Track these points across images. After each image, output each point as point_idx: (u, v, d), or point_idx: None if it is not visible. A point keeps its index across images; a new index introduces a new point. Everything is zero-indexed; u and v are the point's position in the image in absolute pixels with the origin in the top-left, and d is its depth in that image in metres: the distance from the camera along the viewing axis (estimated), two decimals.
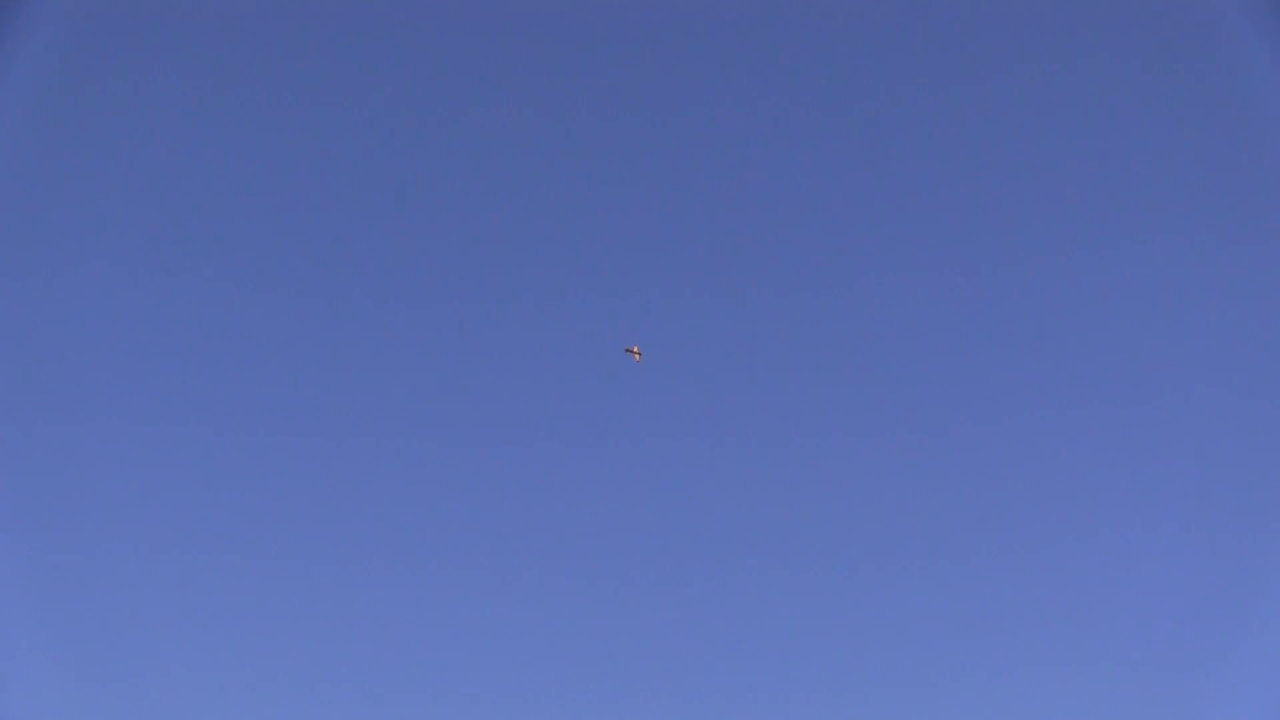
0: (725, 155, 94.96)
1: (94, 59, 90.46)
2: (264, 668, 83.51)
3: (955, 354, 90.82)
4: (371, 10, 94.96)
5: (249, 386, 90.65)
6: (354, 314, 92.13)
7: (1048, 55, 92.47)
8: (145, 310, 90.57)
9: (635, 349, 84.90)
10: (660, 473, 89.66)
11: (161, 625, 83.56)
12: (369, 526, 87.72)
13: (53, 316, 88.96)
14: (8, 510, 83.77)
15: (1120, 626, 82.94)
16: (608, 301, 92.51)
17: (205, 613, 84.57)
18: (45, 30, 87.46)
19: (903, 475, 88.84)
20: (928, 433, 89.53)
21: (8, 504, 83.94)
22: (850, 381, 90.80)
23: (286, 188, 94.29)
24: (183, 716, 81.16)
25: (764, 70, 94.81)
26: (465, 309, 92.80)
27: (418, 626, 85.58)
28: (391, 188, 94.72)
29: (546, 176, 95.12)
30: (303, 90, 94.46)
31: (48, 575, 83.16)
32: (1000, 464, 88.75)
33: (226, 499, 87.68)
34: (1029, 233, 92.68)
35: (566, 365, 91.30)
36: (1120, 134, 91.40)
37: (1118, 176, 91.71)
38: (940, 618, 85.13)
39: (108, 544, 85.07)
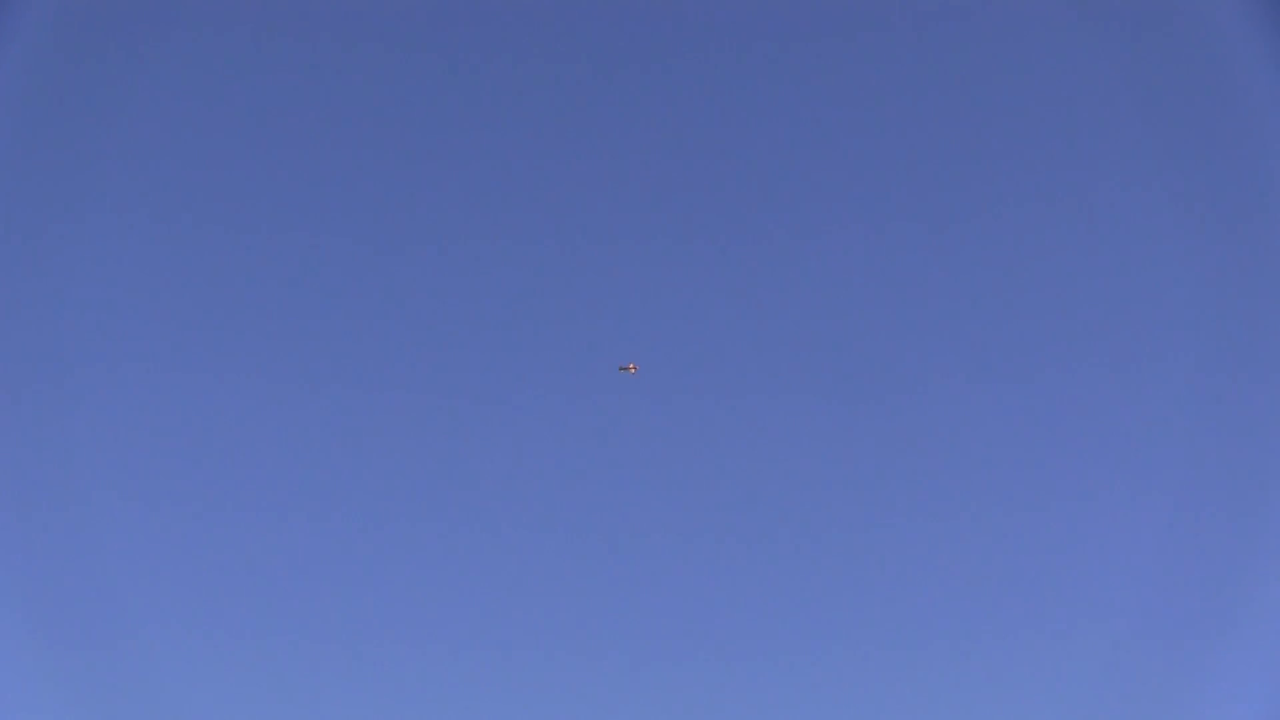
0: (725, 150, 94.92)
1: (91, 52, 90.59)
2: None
3: (948, 337, 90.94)
4: None
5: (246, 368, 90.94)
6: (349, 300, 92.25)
7: (1044, 49, 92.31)
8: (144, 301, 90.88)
9: (631, 365, 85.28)
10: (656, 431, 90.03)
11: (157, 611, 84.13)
12: (378, 529, 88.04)
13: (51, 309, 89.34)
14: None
15: (1119, 622, 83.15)
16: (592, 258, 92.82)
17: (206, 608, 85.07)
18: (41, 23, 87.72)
19: (896, 470, 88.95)
20: (917, 424, 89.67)
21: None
22: (842, 362, 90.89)
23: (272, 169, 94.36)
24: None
25: (764, 61, 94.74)
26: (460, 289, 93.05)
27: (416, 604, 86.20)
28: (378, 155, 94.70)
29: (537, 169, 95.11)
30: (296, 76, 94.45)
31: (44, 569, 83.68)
32: (995, 458, 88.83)
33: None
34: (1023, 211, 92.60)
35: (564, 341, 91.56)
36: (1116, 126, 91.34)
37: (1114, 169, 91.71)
38: (937, 610, 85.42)
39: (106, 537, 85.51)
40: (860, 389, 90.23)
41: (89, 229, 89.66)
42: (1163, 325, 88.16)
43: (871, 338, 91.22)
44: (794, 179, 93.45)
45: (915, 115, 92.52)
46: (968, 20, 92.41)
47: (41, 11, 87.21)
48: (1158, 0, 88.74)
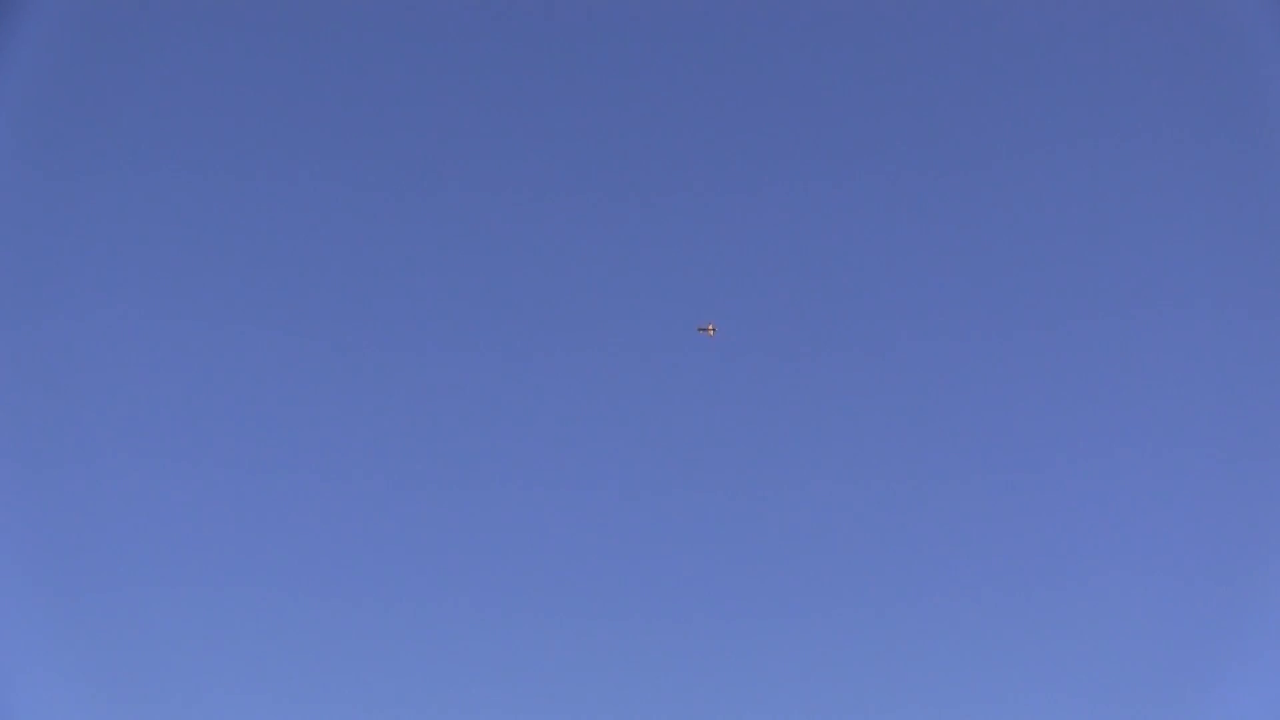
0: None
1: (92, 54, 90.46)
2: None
3: (951, 328, 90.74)
4: None
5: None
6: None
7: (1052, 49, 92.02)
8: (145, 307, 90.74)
9: (710, 327, 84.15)
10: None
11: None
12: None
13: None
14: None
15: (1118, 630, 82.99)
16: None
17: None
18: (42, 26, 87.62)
19: (897, 469, 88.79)
20: (920, 418, 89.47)
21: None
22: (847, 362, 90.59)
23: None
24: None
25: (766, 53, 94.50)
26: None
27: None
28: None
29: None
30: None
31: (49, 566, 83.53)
32: (997, 464, 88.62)
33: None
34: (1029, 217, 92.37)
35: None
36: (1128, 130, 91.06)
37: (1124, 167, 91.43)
38: (940, 619, 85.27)
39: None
40: (865, 381, 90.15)
41: (91, 225, 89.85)
42: (1174, 323, 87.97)
43: (875, 327, 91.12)
44: (801, 169, 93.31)
45: (916, 106, 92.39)
46: (968, 9, 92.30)
47: (44, 19, 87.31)
48: None
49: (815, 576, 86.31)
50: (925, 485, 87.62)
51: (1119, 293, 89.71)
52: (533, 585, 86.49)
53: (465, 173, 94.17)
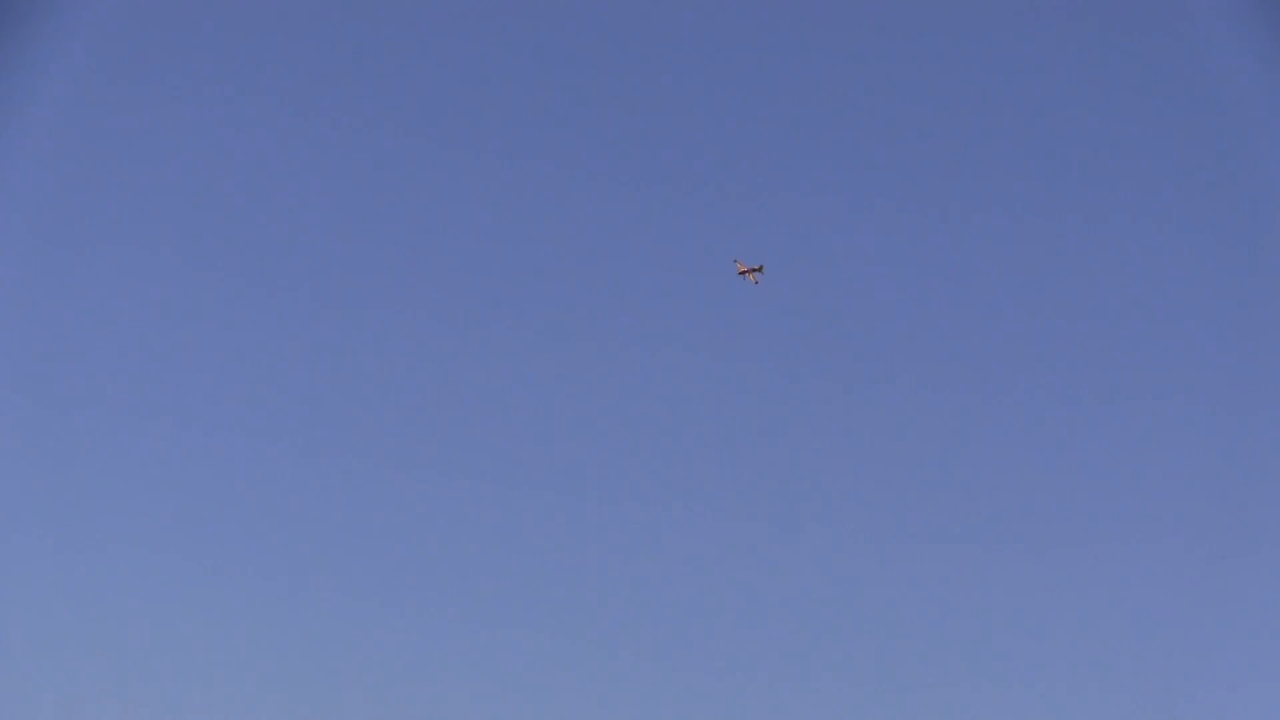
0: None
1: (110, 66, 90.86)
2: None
3: (956, 359, 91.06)
4: None
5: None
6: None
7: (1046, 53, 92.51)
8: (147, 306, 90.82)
9: (754, 269, 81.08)
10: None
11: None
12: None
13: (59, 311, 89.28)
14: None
15: (1121, 630, 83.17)
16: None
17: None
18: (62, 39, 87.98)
19: (908, 479, 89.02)
20: (930, 440, 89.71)
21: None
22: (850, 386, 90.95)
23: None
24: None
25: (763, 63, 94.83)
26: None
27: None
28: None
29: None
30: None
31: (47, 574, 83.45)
32: (1001, 468, 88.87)
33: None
34: (1030, 235, 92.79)
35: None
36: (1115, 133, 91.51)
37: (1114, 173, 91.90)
38: (943, 623, 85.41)
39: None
40: (874, 397, 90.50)
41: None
42: (1171, 334, 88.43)
43: (880, 341, 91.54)
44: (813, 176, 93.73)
45: (926, 120, 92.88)
46: (967, 22, 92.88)
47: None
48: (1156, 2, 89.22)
49: (819, 580, 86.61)
50: (940, 493, 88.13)
51: (1123, 302, 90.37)
52: (538, 602, 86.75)
53: (467, 176, 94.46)
